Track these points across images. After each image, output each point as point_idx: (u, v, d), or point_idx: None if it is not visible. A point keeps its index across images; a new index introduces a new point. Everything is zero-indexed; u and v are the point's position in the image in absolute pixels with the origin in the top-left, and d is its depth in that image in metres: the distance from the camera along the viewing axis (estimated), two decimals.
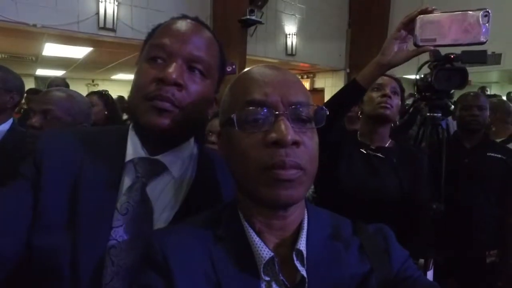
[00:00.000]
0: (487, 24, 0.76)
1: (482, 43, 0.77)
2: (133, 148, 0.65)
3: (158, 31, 0.65)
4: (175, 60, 0.60)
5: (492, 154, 1.85)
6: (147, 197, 0.63)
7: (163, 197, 0.65)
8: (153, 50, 0.62)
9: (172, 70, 0.59)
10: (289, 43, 6.69)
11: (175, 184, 0.67)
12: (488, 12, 0.76)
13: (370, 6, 6.79)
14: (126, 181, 0.64)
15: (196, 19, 0.68)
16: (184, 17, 0.67)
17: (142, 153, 0.65)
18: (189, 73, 0.62)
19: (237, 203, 0.56)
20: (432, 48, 0.82)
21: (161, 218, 0.64)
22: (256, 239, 0.51)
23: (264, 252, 0.50)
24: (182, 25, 0.64)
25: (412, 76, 1.69)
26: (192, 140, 0.72)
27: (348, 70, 7.41)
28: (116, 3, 4.75)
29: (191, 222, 0.56)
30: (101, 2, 4.63)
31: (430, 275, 1.26)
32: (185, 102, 0.61)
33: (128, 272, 0.59)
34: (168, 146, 0.66)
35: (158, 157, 0.65)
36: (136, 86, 0.63)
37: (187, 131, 0.66)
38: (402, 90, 1.41)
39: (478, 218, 1.81)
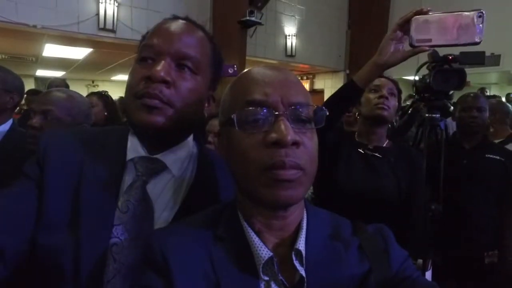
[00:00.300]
0: (481, 25, 0.77)
1: (476, 44, 0.78)
2: (133, 148, 0.66)
3: (149, 33, 0.66)
4: (163, 58, 0.61)
5: (491, 156, 1.85)
6: (147, 195, 0.64)
7: (164, 195, 0.66)
8: (143, 51, 0.64)
9: (160, 68, 0.60)
10: (288, 44, 6.70)
11: (175, 183, 0.68)
12: (482, 13, 0.77)
13: (369, 7, 6.80)
14: (127, 180, 0.65)
15: (186, 19, 0.68)
16: (175, 17, 0.68)
17: (142, 152, 0.66)
18: (178, 70, 0.63)
19: (236, 203, 0.56)
20: (427, 48, 0.83)
21: (162, 216, 0.64)
22: (255, 239, 0.51)
23: (263, 252, 0.50)
24: (171, 25, 0.65)
25: (411, 77, 1.70)
26: (191, 139, 0.73)
27: (347, 71, 7.42)
28: (116, 4, 4.75)
29: (190, 222, 0.56)
30: (101, 3, 4.63)
31: (428, 275, 1.27)
32: (175, 99, 0.61)
33: (130, 269, 0.60)
34: (165, 145, 0.67)
35: (158, 156, 0.66)
36: (128, 86, 0.64)
37: (181, 128, 0.66)
38: (399, 92, 1.42)
39: (477, 219, 1.81)
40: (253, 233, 0.52)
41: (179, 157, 0.69)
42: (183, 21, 0.67)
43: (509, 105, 2.88)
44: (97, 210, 0.61)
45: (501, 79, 7.15)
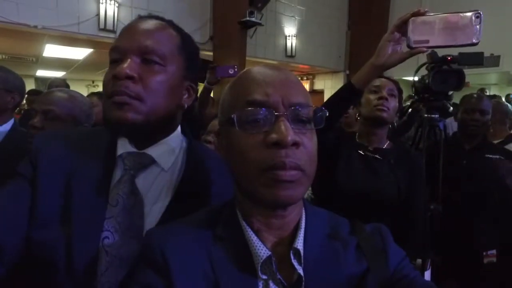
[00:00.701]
0: (478, 26, 0.77)
1: (474, 44, 0.78)
2: (122, 144, 0.69)
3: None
4: (128, 56, 0.63)
5: (490, 156, 1.85)
6: (136, 188, 0.66)
7: (153, 189, 0.68)
8: (111, 55, 0.66)
9: (124, 65, 0.62)
10: (288, 44, 6.71)
11: (165, 176, 0.69)
12: (479, 13, 0.77)
13: (369, 8, 6.80)
14: (117, 175, 0.67)
15: (149, 16, 0.70)
16: (139, 17, 0.70)
17: (130, 148, 0.68)
18: (145, 65, 0.64)
19: (235, 202, 0.56)
20: (425, 49, 0.83)
21: (154, 209, 0.66)
22: (254, 238, 0.52)
23: (262, 251, 0.50)
24: (133, 24, 0.67)
25: (411, 78, 1.71)
26: (179, 133, 0.74)
27: (347, 72, 7.42)
28: (116, 4, 4.76)
29: (189, 221, 0.56)
30: (102, 3, 4.63)
31: (427, 275, 1.27)
32: (143, 93, 0.62)
33: (123, 261, 0.62)
34: (151, 139, 0.69)
35: (145, 150, 0.68)
36: (103, 89, 0.67)
37: (159, 121, 0.66)
38: (400, 92, 1.42)
39: (477, 219, 1.82)
40: (251, 232, 0.52)
41: (166, 150, 0.70)
42: (145, 19, 0.69)
43: (509, 105, 2.88)
44: (88, 206, 0.63)
45: (500, 79, 7.15)
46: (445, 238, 1.45)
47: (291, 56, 6.75)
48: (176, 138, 0.73)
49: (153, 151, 0.68)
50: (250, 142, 0.49)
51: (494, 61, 5.32)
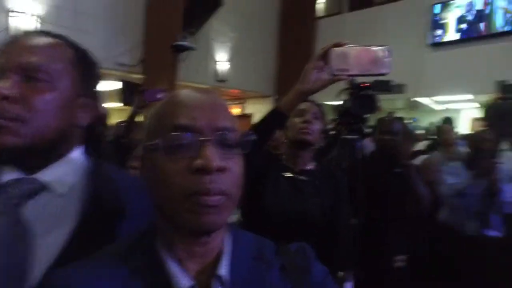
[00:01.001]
0: (388, 59, 0.88)
1: (384, 74, 0.89)
2: (8, 171, 0.61)
3: None
4: (6, 75, 0.58)
5: (399, 170, 2.11)
6: (20, 219, 0.58)
7: (46, 217, 0.60)
8: None
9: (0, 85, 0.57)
10: (220, 69, 6.83)
11: (61, 202, 0.62)
12: (389, 48, 0.89)
13: (299, 36, 7.34)
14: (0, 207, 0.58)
15: (36, 31, 0.66)
16: (24, 33, 0.65)
17: (17, 175, 0.61)
18: (28, 84, 0.59)
19: (155, 231, 0.53)
20: (345, 77, 0.92)
21: (48, 240, 0.59)
22: (175, 268, 0.49)
23: (184, 281, 0.48)
24: (13, 40, 0.62)
25: (332, 102, 1.86)
26: (78, 154, 0.68)
27: (276, 96, 7.77)
28: (38, 20, 4.36)
29: (101, 256, 0.51)
30: (11, 16, 4.22)
31: (349, 287, 1.35)
32: (26, 113, 0.57)
33: None
34: (40, 163, 0.62)
35: (35, 175, 0.61)
36: None
37: (47, 142, 0.61)
38: (324, 115, 1.52)
39: (391, 231, 2.02)
40: (172, 262, 0.50)
41: (61, 173, 0.63)
42: (30, 34, 0.64)
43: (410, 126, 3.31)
44: None
45: (406, 105, 8.20)
46: (364, 251, 1.56)
47: (222, 81, 6.87)
48: (74, 160, 0.66)
49: (45, 175, 0.61)
50: (174, 167, 0.47)
51: (400, 88, 6.08)
